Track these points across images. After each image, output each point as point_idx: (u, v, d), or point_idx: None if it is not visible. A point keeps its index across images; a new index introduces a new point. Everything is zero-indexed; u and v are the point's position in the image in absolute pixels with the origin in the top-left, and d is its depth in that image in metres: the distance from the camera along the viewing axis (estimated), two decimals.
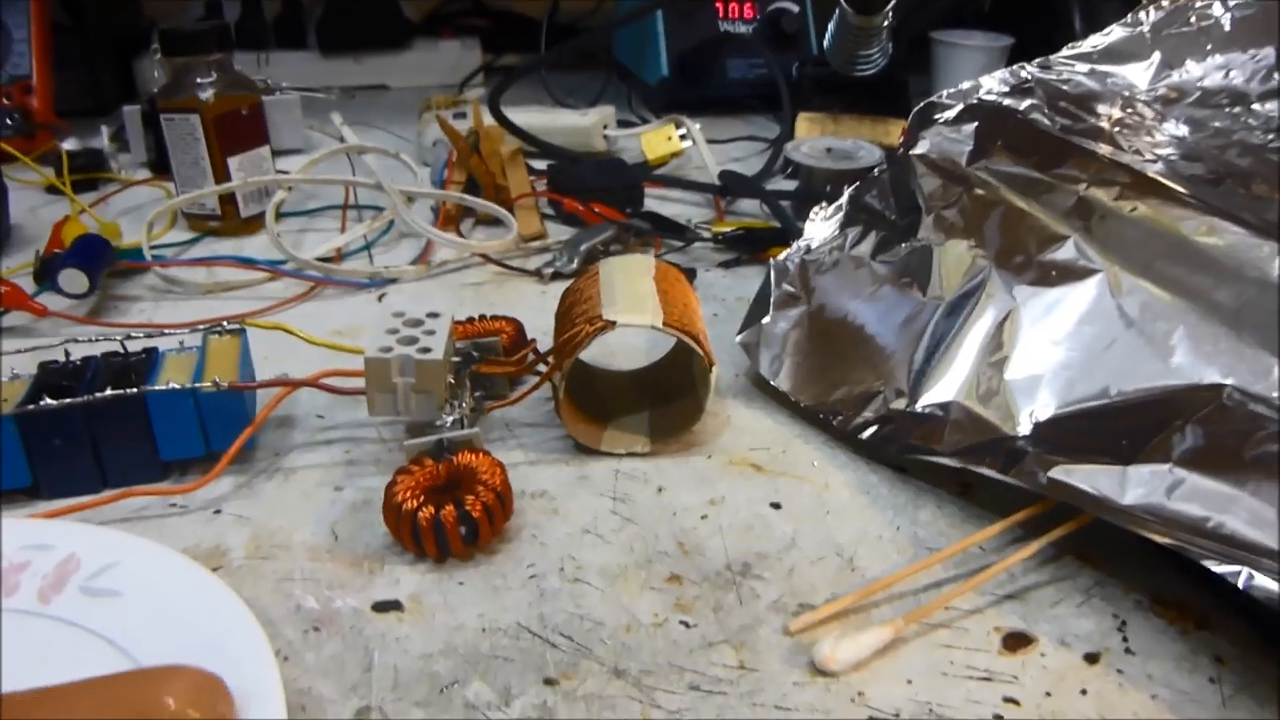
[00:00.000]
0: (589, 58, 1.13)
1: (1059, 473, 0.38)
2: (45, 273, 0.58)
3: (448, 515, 0.36)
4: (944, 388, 0.44)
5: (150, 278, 0.63)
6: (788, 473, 0.44)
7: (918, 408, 0.44)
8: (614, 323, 0.41)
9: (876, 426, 0.44)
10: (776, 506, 0.41)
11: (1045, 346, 0.43)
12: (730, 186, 0.75)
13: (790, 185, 0.80)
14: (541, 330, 0.53)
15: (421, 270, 0.64)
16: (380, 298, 0.61)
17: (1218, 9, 0.60)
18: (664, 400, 0.47)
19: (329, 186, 0.76)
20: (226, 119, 0.68)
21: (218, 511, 0.41)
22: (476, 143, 0.74)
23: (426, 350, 0.41)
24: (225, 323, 0.46)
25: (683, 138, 0.82)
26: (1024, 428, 0.40)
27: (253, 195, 0.70)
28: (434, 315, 0.44)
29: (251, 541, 0.39)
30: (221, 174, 0.68)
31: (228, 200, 0.69)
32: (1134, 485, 0.37)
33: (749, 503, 0.41)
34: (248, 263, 0.63)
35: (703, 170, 0.82)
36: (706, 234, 0.68)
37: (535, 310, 0.58)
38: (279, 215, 0.72)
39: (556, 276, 0.63)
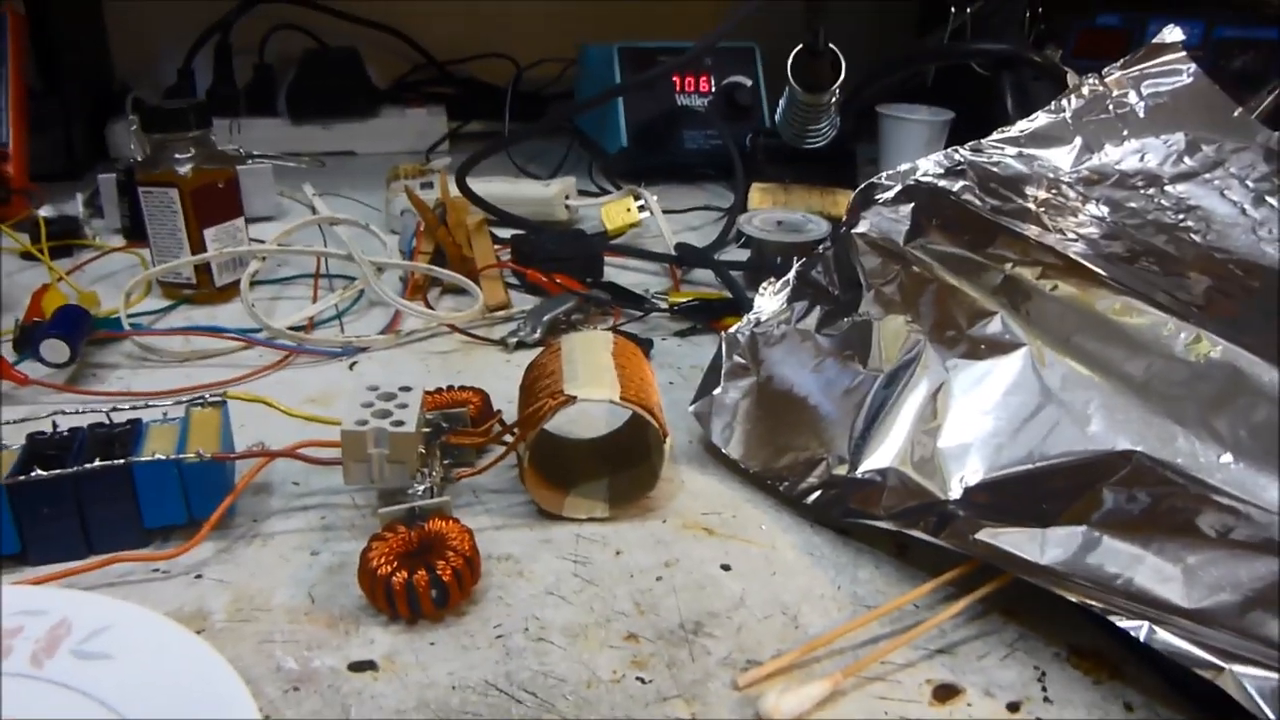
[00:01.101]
0: (552, 126, 1.18)
1: (985, 535, 0.41)
2: (26, 341, 0.60)
3: (420, 579, 0.39)
4: (882, 455, 0.47)
5: (127, 345, 0.65)
6: (737, 535, 0.47)
7: (858, 474, 0.47)
8: (575, 397, 0.45)
9: (820, 491, 0.48)
10: (726, 568, 0.44)
11: (975, 416, 0.46)
12: (685, 258, 0.79)
13: (743, 254, 0.84)
14: (507, 398, 0.56)
15: (391, 339, 0.67)
16: (351, 366, 0.64)
17: (1133, 97, 0.65)
18: (622, 467, 0.50)
19: (301, 255, 0.79)
20: (203, 192, 0.71)
21: (199, 576, 0.43)
22: (444, 214, 0.77)
23: (399, 423, 0.44)
24: (207, 394, 0.48)
25: (641, 209, 0.86)
26: (955, 492, 0.44)
27: (226, 264, 0.73)
28: (406, 389, 0.47)
29: (232, 604, 0.41)
30: (197, 244, 0.71)
31: (202, 269, 0.72)
32: (1052, 546, 0.40)
33: (701, 564, 0.44)
34: (223, 332, 0.65)
35: (659, 240, 0.86)
36: (663, 304, 0.71)
37: (501, 378, 0.61)
38: (253, 284, 0.74)
39: (520, 346, 0.66)
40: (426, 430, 0.47)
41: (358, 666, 0.38)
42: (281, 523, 0.47)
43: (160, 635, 0.36)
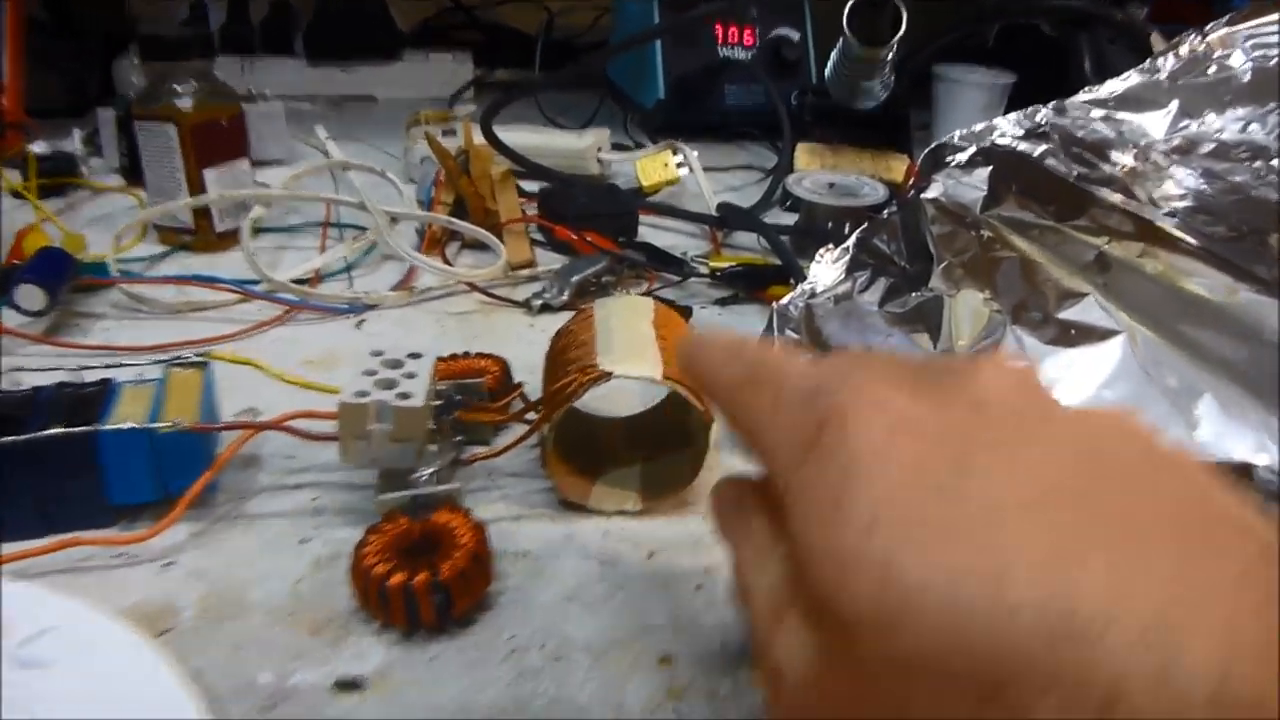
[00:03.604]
0: (584, 76, 1.11)
1: None
2: (1, 286, 0.54)
3: (419, 583, 0.33)
4: None
5: (115, 294, 0.59)
6: None
7: None
8: (610, 373, 0.39)
9: None
10: None
11: None
12: (728, 219, 0.72)
13: (789, 218, 0.77)
14: (528, 368, 0.50)
15: (403, 297, 0.61)
16: (359, 324, 0.58)
17: (1237, 59, 0.58)
18: (658, 452, 0.44)
19: (310, 203, 0.73)
20: (204, 130, 0.65)
21: (170, 563, 0.37)
22: (466, 163, 0.71)
23: (406, 396, 0.38)
24: (188, 354, 0.43)
25: (679, 165, 0.80)
26: None
27: (229, 209, 0.67)
28: (415, 356, 0.41)
29: (205, 599, 0.36)
30: (197, 186, 0.65)
31: (202, 214, 0.66)
32: None
33: None
34: (219, 283, 0.59)
35: (699, 199, 0.79)
36: (703, 268, 0.65)
37: (522, 344, 0.55)
38: (256, 231, 0.69)
39: (545, 309, 0.60)
40: (437, 404, 0.41)
41: (345, 685, 0.32)
42: (269, 502, 0.41)
43: (112, 642, 0.30)
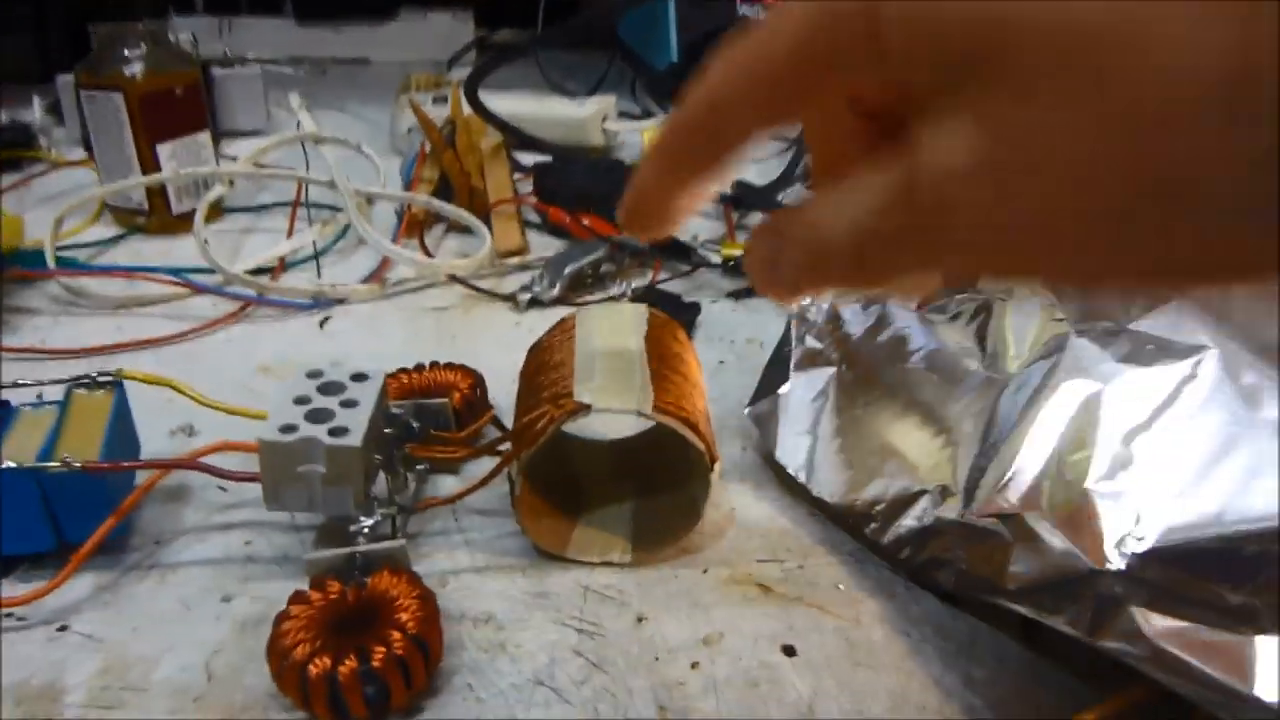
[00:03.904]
0: (590, 35, 1.03)
1: (1171, 640, 0.28)
2: None
3: (346, 671, 0.27)
4: (1008, 492, 0.34)
5: (54, 286, 0.53)
6: (804, 598, 0.34)
7: (973, 518, 0.34)
8: (588, 406, 0.32)
9: (918, 542, 0.35)
10: (790, 651, 0.32)
11: (1141, 446, 0.33)
12: (742, 198, 0.65)
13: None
14: (510, 376, 0.43)
15: (375, 290, 0.55)
16: (322, 323, 0.52)
17: None
18: (652, 489, 0.38)
19: (283, 180, 0.66)
20: (156, 99, 0.58)
21: (64, 628, 0.31)
22: (453, 135, 0.64)
23: (342, 431, 0.31)
24: (96, 375, 0.36)
25: None
26: (1115, 561, 0.31)
27: (188, 188, 0.61)
28: (359, 377, 0.34)
29: (100, 676, 0.30)
30: (149, 162, 0.59)
31: (157, 193, 0.60)
32: (1266, 667, 0.28)
33: (754, 644, 0.32)
34: (168, 275, 0.53)
35: None
36: (714, 256, 0.58)
37: (506, 347, 0.48)
38: (221, 211, 0.62)
39: (534, 304, 0.53)
40: (388, 431, 0.35)
41: None
42: (192, 548, 0.35)
43: None
